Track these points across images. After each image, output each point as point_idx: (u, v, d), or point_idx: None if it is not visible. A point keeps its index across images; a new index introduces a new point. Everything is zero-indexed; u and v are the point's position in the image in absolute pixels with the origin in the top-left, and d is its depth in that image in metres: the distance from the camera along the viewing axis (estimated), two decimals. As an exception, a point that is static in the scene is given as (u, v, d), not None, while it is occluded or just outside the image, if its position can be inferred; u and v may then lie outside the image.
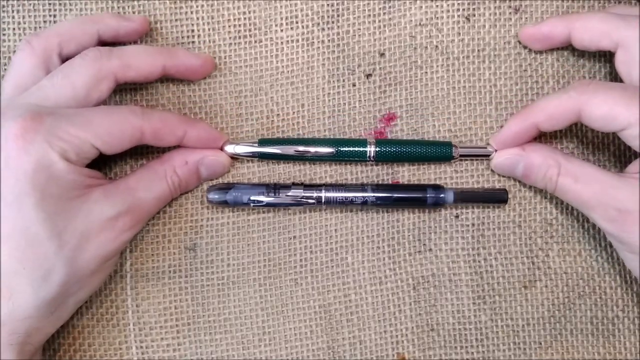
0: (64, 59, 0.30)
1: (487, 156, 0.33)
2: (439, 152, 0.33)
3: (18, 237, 0.27)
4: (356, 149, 0.33)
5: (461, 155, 0.33)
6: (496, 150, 0.33)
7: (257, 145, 0.33)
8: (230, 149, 0.33)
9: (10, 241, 0.27)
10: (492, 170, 0.34)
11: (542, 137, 0.34)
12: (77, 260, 0.28)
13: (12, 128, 0.27)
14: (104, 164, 0.33)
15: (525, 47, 0.34)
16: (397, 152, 0.33)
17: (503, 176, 0.34)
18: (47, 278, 0.27)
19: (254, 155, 0.33)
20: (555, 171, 0.31)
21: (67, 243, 0.27)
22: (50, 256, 0.27)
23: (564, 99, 0.30)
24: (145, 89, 0.34)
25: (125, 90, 0.34)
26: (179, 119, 0.31)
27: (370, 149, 0.33)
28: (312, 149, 0.33)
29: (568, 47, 0.33)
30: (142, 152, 0.34)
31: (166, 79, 0.34)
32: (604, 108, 0.29)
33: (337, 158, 0.33)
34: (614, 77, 0.34)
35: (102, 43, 0.32)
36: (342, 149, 0.33)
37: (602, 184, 0.29)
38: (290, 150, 0.33)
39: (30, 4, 0.34)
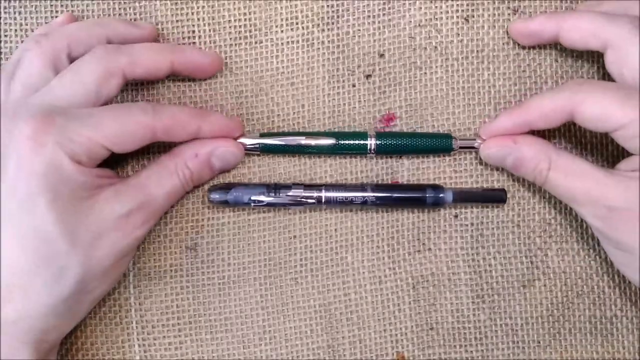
0: (72, 61, 0.30)
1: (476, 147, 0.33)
2: (438, 144, 0.33)
3: (31, 237, 0.27)
4: (357, 141, 0.33)
5: (460, 147, 0.33)
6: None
7: (259, 137, 0.33)
8: None
9: (24, 241, 0.27)
10: (491, 171, 0.34)
11: (534, 133, 0.34)
12: (91, 258, 0.28)
13: (23, 129, 0.27)
14: (115, 161, 0.34)
15: (524, 48, 0.34)
16: (397, 144, 0.33)
17: (502, 175, 0.34)
18: (61, 276, 0.27)
19: (256, 149, 0.33)
20: (546, 165, 0.30)
21: (80, 241, 0.27)
22: (63, 255, 0.27)
23: (557, 98, 0.30)
24: (147, 89, 0.34)
25: (127, 90, 0.34)
26: (190, 114, 0.31)
27: (371, 142, 0.33)
28: (313, 142, 0.33)
29: (567, 48, 0.34)
30: (154, 148, 0.34)
31: (168, 78, 0.34)
32: (597, 108, 0.28)
33: (338, 151, 0.33)
34: (611, 77, 0.34)
35: None
36: (342, 142, 0.33)
37: (593, 180, 0.29)
38: (292, 141, 0.33)
39: (32, 6, 0.34)
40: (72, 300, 0.28)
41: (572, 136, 0.35)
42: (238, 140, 0.33)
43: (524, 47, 0.34)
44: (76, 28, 0.31)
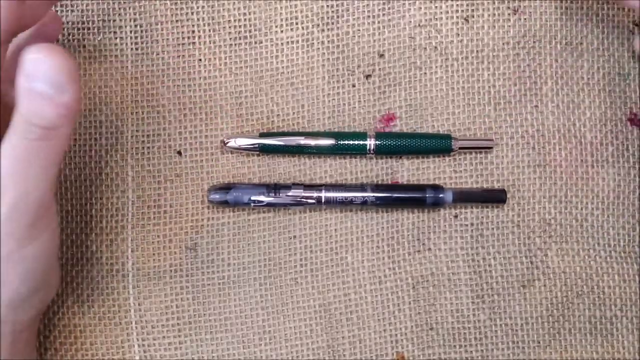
0: None
1: (486, 148, 0.34)
2: (438, 144, 0.33)
3: None
4: (356, 142, 0.33)
5: (460, 148, 0.34)
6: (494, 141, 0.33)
7: (258, 137, 0.33)
8: (231, 142, 0.33)
9: None
10: (491, 171, 0.34)
11: (536, 139, 0.34)
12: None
13: None
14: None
15: (523, 48, 0.34)
16: (396, 144, 0.33)
17: (502, 175, 0.34)
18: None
19: (255, 148, 0.33)
20: None
21: None
22: None
23: None
24: (147, 90, 0.34)
25: (128, 90, 0.34)
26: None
27: (370, 142, 0.33)
28: (313, 142, 0.33)
29: (566, 48, 0.34)
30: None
31: (167, 78, 0.34)
32: None
33: (337, 151, 0.33)
34: (613, 77, 0.34)
35: None
36: (342, 142, 0.33)
37: None
38: (291, 141, 0.33)
39: (32, 6, 0.34)
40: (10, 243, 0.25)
41: (572, 136, 0.35)
42: (235, 141, 0.33)
43: (524, 47, 0.34)
44: None
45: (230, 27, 0.34)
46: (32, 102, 0.23)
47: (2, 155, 0.24)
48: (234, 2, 0.34)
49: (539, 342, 0.34)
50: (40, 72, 0.23)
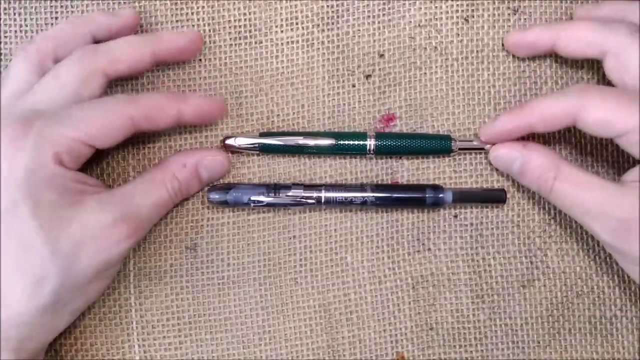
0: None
1: (485, 150, 0.34)
2: (438, 145, 0.33)
3: (12, 244, 0.26)
4: (356, 142, 0.33)
5: (460, 149, 0.34)
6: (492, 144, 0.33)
7: (258, 137, 0.33)
8: (231, 141, 0.33)
9: (5, 247, 0.26)
10: (491, 171, 0.34)
11: (537, 138, 0.34)
12: (72, 268, 0.27)
13: (4, 137, 0.27)
14: (105, 165, 0.34)
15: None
16: (396, 145, 0.33)
17: (501, 175, 0.34)
18: (40, 285, 0.27)
19: (255, 148, 0.33)
20: (552, 174, 0.30)
21: (62, 250, 0.27)
22: (44, 263, 0.26)
23: (560, 102, 0.29)
24: (147, 90, 0.34)
25: (128, 90, 0.34)
26: (168, 97, 0.30)
27: (370, 142, 0.33)
28: (312, 142, 0.33)
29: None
30: (143, 149, 0.34)
31: (167, 78, 0.34)
32: (601, 113, 0.28)
33: (337, 151, 0.33)
34: (611, 84, 0.34)
35: (98, 42, 0.31)
36: (342, 142, 0.33)
37: (601, 191, 0.29)
38: (291, 141, 0.33)
39: (32, 7, 0.34)
40: (49, 311, 0.28)
41: (577, 142, 0.35)
42: (235, 141, 0.33)
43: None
44: (60, 29, 0.31)
45: (230, 27, 0.34)
46: None
47: None
48: (234, 2, 0.34)
49: (539, 342, 0.34)
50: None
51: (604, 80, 0.34)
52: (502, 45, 0.34)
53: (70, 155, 0.28)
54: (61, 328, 0.30)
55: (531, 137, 0.33)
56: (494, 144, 0.33)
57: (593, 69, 0.34)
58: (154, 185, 0.30)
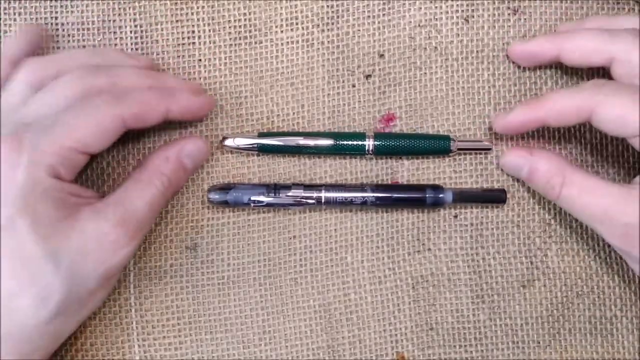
0: None
1: (485, 150, 0.34)
2: (437, 145, 0.33)
3: (13, 260, 0.26)
4: (355, 142, 0.33)
5: (459, 149, 0.34)
6: (499, 148, 0.33)
7: (256, 137, 0.33)
8: (229, 142, 0.33)
9: (8, 263, 0.26)
10: (490, 171, 0.34)
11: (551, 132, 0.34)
12: (76, 279, 0.27)
13: None
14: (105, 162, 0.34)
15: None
16: (395, 145, 0.33)
17: (502, 175, 0.34)
18: (45, 299, 0.26)
19: (253, 148, 0.33)
20: (559, 180, 0.30)
21: (64, 263, 0.27)
22: (47, 277, 0.26)
23: (576, 97, 0.29)
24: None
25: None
26: (156, 95, 0.30)
27: (369, 142, 0.33)
28: (311, 142, 0.33)
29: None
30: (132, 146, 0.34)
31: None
32: (617, 111, 0.28)
33: (336, 151, 0.33)
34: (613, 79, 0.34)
35: None
36: (341, 142, 0.33)
37: (608, 196, 0.29)
38: (290, 141, 0.33)
39: (32, 7, 0.34)
40: (57, 322, 0.28)
41: (572, 136, 0.34)
42: (234, 141, 0.33)
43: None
44: (69, 56, 0.31)
45: (230, 27, 0.34)
46: None
47: None
48: (234, 2, 0.34)
49: (539, 342, 0.34)
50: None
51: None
52: (502, 45, 0.34)
53: (64, 166, 0.27)
54: (65, 337, 0.30)
55: (546, 131, 0.33)
56: (507, 134, 0.33)
57: (593, 69, 0.34)
58: (143, 185, 0.30)
